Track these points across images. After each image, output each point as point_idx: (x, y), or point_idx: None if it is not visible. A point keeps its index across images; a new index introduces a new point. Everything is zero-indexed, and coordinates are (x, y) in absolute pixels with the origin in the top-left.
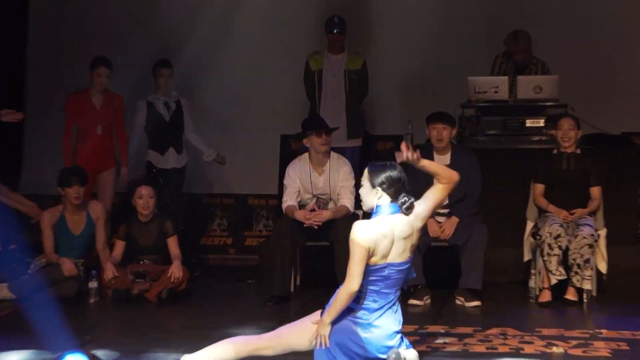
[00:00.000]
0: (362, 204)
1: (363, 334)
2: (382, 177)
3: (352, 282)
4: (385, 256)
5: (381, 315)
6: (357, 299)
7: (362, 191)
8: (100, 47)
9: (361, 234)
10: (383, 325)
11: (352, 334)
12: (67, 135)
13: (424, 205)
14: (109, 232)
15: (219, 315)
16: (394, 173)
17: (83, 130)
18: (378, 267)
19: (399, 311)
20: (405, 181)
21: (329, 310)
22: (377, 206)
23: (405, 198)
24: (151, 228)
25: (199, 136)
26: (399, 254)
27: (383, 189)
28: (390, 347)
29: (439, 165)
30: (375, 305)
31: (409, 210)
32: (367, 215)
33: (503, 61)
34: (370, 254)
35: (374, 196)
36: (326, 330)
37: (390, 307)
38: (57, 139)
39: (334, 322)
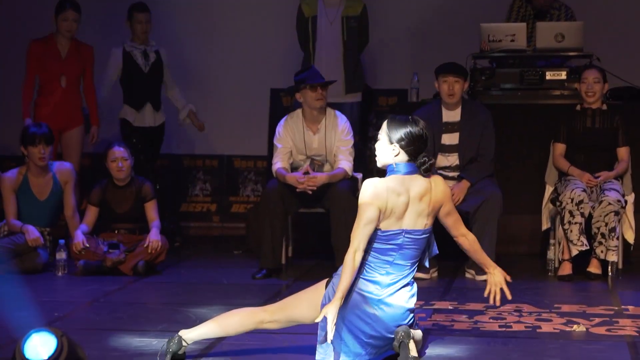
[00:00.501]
0: (375, 159)
1: (372, 310)
2: (402, 132)
3: (354, 245)
4: (399, 218)
5: (395, 292)
6: (369, 271)
7: (378, 145)
8: None
9: (371, 191)
10: (396, 303)
11: (361, 310)
12: (28, 86)
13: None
14: (78, 196)
15: (202, 290)
16: (415, 129)
17: (45, 82)
18: (391, 233)
19: (415, 289)
20: (427, 140)
21: (338, 287)
22: (393, 164)
23: (425, 158)
24: (127, 193)
25: (179, 93)
26: (414, 220)
27: (401, 146)
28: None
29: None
30: (388, 280)
31: (427, 171)
32: (372, 176)
33: (521, 5)
34: (381, 215)
35: (390, 153)
36: (334, 311)
37: (405, 284)
38: (18, 93)
39: None
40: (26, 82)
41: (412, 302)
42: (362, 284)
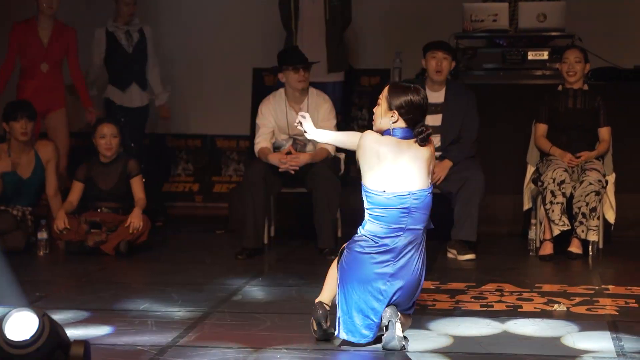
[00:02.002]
0: (373, 122)
1: (384, 287)
2: (402, 100)
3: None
4: (401, 180)
5: (406, 263)
6: (381, 240)
7: (377, 110)
8: None
9: (371, 133)
10: (407, 276)
11: (373, 287)
12: (6, 66)
13: None
14: (65, 178)
15: (184, 270)
16: (416, 98)
17: (26, 66)
18: (397, 195)
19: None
20: (427, 110)
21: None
22: (389, 129)
23: (423, 128)
24: (113, 169)
25: (158, 76)
26: (416, 180)
27: (400, 114)
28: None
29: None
30: (401, 247)
31: (424, 141)
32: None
33: None
34: (370, 156)
35: (389, 119)
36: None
37: (418, 256)
38: None
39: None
40: (6, 61)
41: (423, 278)
42: (375, 255)
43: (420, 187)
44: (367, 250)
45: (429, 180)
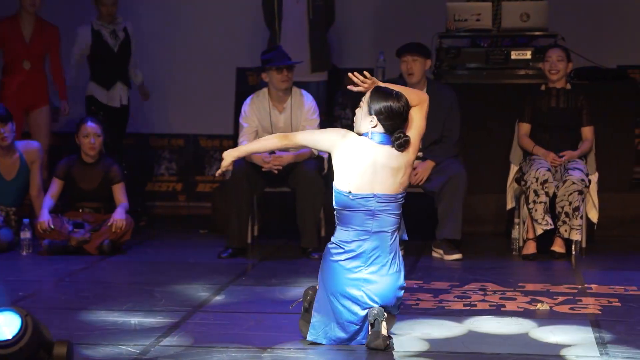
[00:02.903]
0: (354, 124)
1: (359, 292)
2: (382, 106)
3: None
4: (369, 182)
5: (380, 267)
6: (348, 245)
7: (358, 112)
8: None
9: (342, 133)
10: (382, 279)
11: (349, 294)
12: None
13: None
14: (45, 177)
15: (167, 270)
16: (395, 105)
17: (9, 62)
18: (362, 196)
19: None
20: (407, 117)
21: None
22: (369, 133)
23: (401, 134)
24: (95, 171)
25: (139, 74)
26: (384, 185)
27: (379, 119)
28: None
29: (402, 87)
30: (370, 253)
31: (400, 147)
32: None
33: None
34: (334, 148)
35: (368, 123)
36: (230, 158)
37: (391, 258)
38: None
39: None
40: None
41: (401, 278)
42: (345, 263)
43: (387, 191)
44: (337, 258)
45: (401, 188)
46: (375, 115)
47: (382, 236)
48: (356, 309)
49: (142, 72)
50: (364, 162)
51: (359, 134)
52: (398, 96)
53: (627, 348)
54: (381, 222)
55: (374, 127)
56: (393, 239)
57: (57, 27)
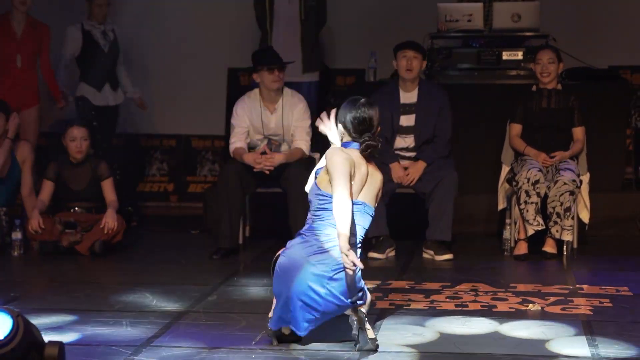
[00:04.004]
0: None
1: (323, 290)
2: (348, 116)
3: (343, 192)
4: (359, 190)
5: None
6: (325, 241)
7: (326, 129)
8: None
9: (341, 152)
10: (344, 279)
11: (312, 289)
12: None
13: None
14: (34, 177)
15: (159, 270)
16: (360, 114)
17: (1, 61)
18: (354, 203)
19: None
20: (374, 123)
21: (339, 225)
22: (342, 143)
23: (369, 142)
24: (83, 171)
25: (126, 76)
26: (369, 196)
27: (346, 129)
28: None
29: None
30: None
31: (365, 151)
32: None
33: None
34: (351, 174)
35: (338, 133)
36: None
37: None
38: None
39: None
40: None
41: (360, 282)
42: (314, 258)
43: (371, 202)
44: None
45: (374, 200)
46: (341, 124)
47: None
48: (317, 302)
49: (139, 88)
50: (360, 169)
51: (331, 143)
52: (365, 104)
53: (618, 349)
54: (356, 229)
55: (343, 136)
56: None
57: (48, 25)
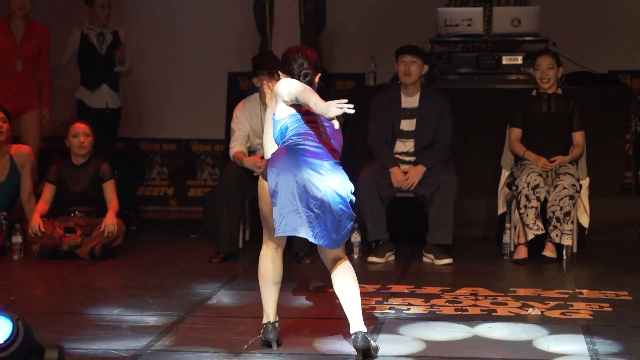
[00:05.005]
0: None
1: (319, 195)
2: (286, 62)
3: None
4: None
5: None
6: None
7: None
8: None
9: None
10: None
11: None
12: None
13: None
14: (35, 181)
15: (159, 274)
16: (295, 56)
17: (1, 65)
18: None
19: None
20: (311, 59)
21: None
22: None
23: (305, 69)
24: (85, 172)
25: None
26: None
27: (289, 72)
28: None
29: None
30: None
31: (305, 79)
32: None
33: None
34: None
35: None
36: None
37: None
38: None
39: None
40: None
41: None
42: (305, 162)
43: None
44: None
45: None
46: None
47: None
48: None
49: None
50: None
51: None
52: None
53: (618, 354)
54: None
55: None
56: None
57: (47, 26)
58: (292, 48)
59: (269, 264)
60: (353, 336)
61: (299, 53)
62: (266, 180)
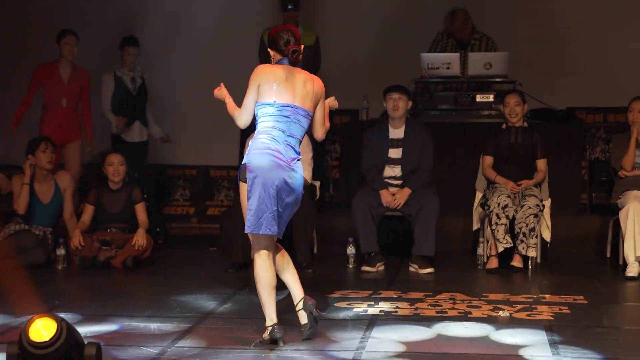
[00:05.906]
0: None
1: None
2: (274, 40)
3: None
4: (291, 95)
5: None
6: (272, 140)
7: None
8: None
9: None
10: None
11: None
12: (27, 100)
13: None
14: (77, 202)
15: (182, 282)
16: (282, 33)
17: (48, 102)
18: (284, 105)
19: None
20: (287, 36)
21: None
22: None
23: (292, 46)
24: (120, 196)
25: (152, 115)
26: (302, 100)
27: (277, 50)
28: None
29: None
30: (284, 147)
31: (293, 56)
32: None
33: (441, 39)
34: (264, 84)
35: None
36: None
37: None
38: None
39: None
40: (27, 97)
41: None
42: (271, 152)
43: (303, 106)
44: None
45: (312, 106)
46: (269, 47)
47: (294, 139)
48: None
49: (159, 126)
50: (282, 76)
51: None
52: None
53: (575, 349)
54: (294, 129)
55: (273, 55)
56: (298, 144)
57: (89, 71)
58: (278, 26)
59: (267, 271)
60: (302, 301)
61: (284, 30)
62: (245, 182)
